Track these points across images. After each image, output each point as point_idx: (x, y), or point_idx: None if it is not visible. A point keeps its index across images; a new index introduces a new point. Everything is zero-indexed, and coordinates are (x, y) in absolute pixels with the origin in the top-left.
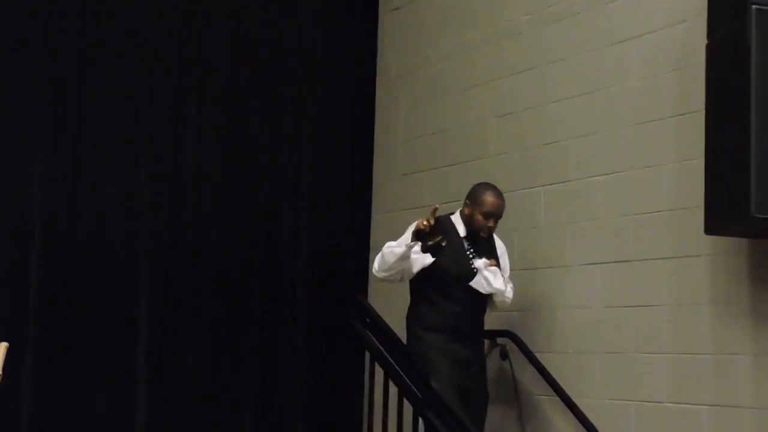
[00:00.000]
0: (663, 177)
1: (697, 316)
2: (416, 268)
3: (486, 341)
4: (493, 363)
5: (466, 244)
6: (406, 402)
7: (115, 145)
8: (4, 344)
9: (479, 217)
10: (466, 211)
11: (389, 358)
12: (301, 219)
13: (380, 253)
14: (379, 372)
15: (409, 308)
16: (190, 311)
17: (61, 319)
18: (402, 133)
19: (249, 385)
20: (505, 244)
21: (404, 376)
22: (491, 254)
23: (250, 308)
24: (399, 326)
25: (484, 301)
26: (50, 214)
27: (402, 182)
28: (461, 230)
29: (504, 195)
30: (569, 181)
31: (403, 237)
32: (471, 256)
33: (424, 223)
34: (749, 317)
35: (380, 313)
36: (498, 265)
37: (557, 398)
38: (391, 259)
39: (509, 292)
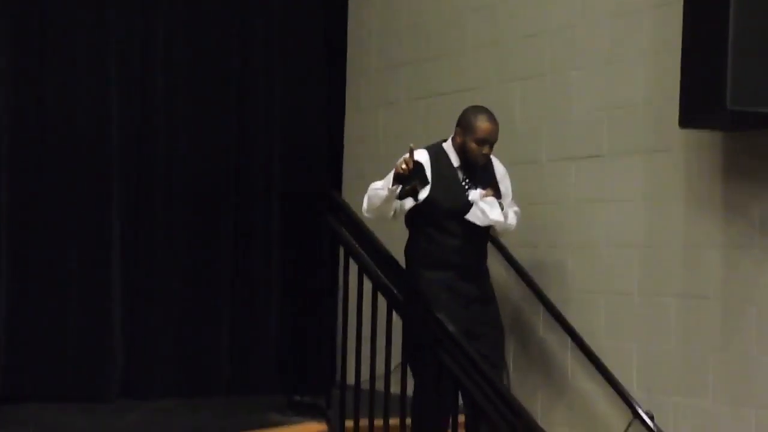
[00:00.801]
0: (638, 71)
1: (669, 209)
2: (407, 205)
3: None
4: None
5: (460, 175)
6: (380, 297)
7: (85, 56)
8: None
9: (473, 145)
10: (458, 139)
11: (363, 254)
12: (274, 116)
13: (366, 194)
14: (354, 268)
15: (408, 243)
16: (163, 205)
17: (32, 237)
18: (376, 26)
19: (224, 284)
20: None
21: (378, 271)
22: (488, 182)
23: (224, 206)
24: (373, 224)
25: (486, 232)
26: (17, 134)
27: (376, 78)
28: (454, 160)
29: (479, 90)
30: (544, 75)
31: (387, 177)
32: (466, 187)
33: (402, 167)
34: (720, 211)
35: (355, 211)
36: (497, 192)
37: (529, 291)
38: (377, 202)
39: (512, 219)
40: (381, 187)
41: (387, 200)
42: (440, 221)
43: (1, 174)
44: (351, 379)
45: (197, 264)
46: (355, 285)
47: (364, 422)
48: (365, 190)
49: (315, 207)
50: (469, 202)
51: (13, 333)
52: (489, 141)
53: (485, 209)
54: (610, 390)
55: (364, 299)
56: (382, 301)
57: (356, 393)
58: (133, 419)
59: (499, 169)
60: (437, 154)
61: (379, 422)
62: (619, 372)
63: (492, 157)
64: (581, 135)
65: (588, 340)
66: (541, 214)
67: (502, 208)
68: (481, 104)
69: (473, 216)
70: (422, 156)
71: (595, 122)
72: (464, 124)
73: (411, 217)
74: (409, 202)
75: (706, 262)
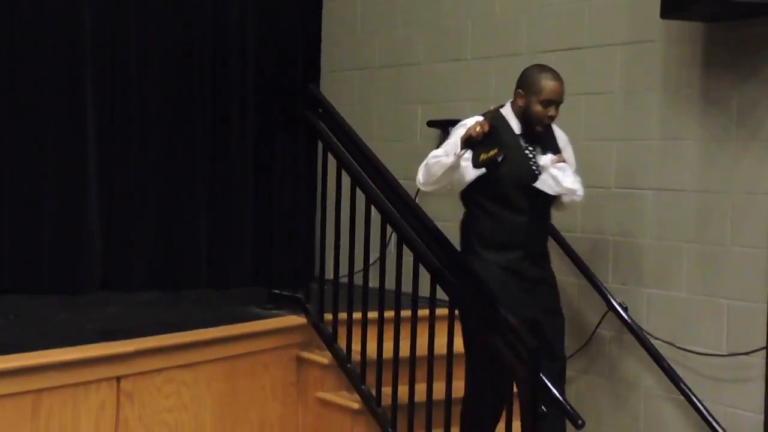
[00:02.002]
0: None
1: (648, 102)
2: (468, 177)
3: (437, 131)
4: None
5: (522, 142)
6: (359, 192)
7: None
8: None
9: (538, 108)
10: (520, 102)
11: (342, 148)
12: (249, 7)
13: (424, 164)
14: (332, 163)
15: (465, 221)
16: (138, 101)
17: (5, 129)
18: None
19: (201, 178)
20: (459, 30)
21: (357, 165)
22: (554, 148)
23: (200, 100)
24: (351, 119)
25: (550, 206)
26: None
27: None
28: (515, 126)
29: None
30: None
31: (450, 143)
32: (532, 155)
33: (477, 129)
34: (699, 103)
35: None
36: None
37: None
38: (438, 171)
39: (581, 190)
40: (444, 153)
41: (451, 168)
42: (505, 194)
43: None
44: (330, 274)
45: (174, 158)
46: (334, 180)
47: (342, 315)
48: (343, 84)
49: (292, 101)
50: (535, 171)
51: None
52: (555, 101)
53: (557, 176)
54: (585, 282)
55: (342, 194)
56: (360, 197)
57: (335, 287)
58: (113, 311)
59: (561, 136)
60: (496, 120)
61: (357, 315)
62: (595, 265)
63: (553, 125)
64: (561, 27)
65: (564, 233)
66: None
67: None
68: None
69: (543, 184)
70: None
71: (575, 14)
72: (527, 85)
73: (469, 191)
74: (469, 174)
75: (684, 155)
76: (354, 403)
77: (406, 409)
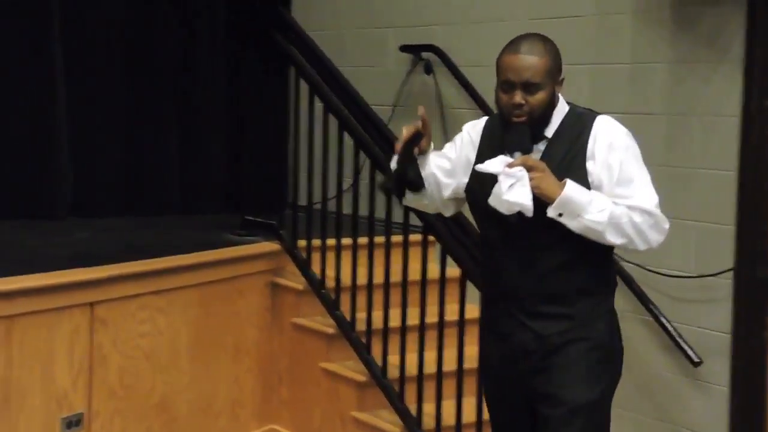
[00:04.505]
0: None
1: (618, 25)
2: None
3: (409, 56)
4: (418, 77)
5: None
6: (331, 117)
7: None
8: None
9: (501, 95)
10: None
11: (314, 74)
12: None
13: None
14: (304, 87)
15: None
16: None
17: None
18: None
19: (171, 101)
20: None
21: (329, 90)
22: (526, 147)
23: (168, 20)
24: (322, 43)
25: (550, 236)
26: None
27: None
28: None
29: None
30: None
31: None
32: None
33: (396, 147)
34: (669, 26)
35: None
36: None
37: (481, 111)
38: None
39: (607, 217)
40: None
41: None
42: (479, 225)
43: None
44: (303, 201)
45: (142, 80)
46: (306, 105)
47: (316, 242)
48: (314, 8)
49: (262, 25)
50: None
51: None
52: (513, 83)
53: (502, 183)
54: None
55: (315, 119)
56: (333, 121)
57: (308, 213)
58: (84, 236)
59: (603, 136)
60: (492, 122)
61: (331, 242)
62: None
63: (602, 119)
64: None
65: None
66: (494, 31)
67: (565, 194)
68: None
69: (495, 200)
70: (475, 128)
71: None
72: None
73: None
74: (441, 193)
75: (653, 78)
76: (329, 327)
77: (380, 333)
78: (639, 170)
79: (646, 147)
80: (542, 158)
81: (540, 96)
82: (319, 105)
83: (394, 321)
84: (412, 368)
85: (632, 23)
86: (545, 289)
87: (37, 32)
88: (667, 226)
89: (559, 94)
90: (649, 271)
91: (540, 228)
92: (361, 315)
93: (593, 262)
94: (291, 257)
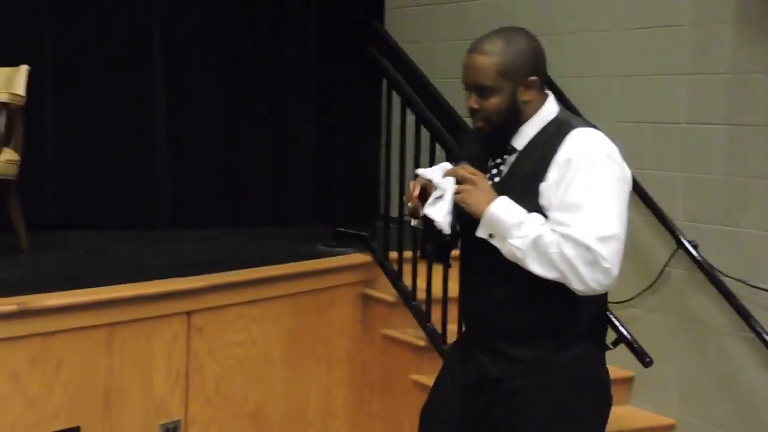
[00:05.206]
0: None
1: (718, 35)
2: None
3: None
4: None
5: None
6: (423, 129)
7: None
8: (25, 67)
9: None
10: None
11: (406, 86)
12: None
13: None
14: (396, 100)
15: None
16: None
17: (79, 38)
18: None
19: (263, 115)
20: None
21: (422, 103)
22: (476, 156)
23: (262, 33)
24: (415, 55)
25: (504, 259)
26: None
27: None
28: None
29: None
30: None
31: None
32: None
33: (408, 204)
34: None
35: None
36: (469, 177)
37: None
38: None
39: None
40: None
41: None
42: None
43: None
44: (395, 212)
45: (237, 95)
46: (398, 117)
47: (407, 254)
48: (407, 21)
49: (356, 37)
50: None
51: (62, 164)
52: (466, 84)
53: (433, 194)
54: (654, 220)
55: (407, 132)
56: (425, 134)
57: (400, 225)
58: (181, 246)
59: (568, 147)
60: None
61: None
62: (664, 202)
63: (578, 131)
64: None
65: (633, 170)
66: (587, 41)
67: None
68: None
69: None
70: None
71: None
72: None
73: None
74: None
75: (754, 88)
76: (420, 340)
77: None
78: (596, 197)
79: (747, 159)
80: (507, 174)
81: (494, 100)
82: (411, 117)
83: None
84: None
85: (734, 32)
86: (499, 323)
87: (139, 51)
88: (609, 266)
89: (549, 100)
90: (752, 286)
91: (496, 252)
92: (452, 327)
93: (561, 297)
94: (382, 269)
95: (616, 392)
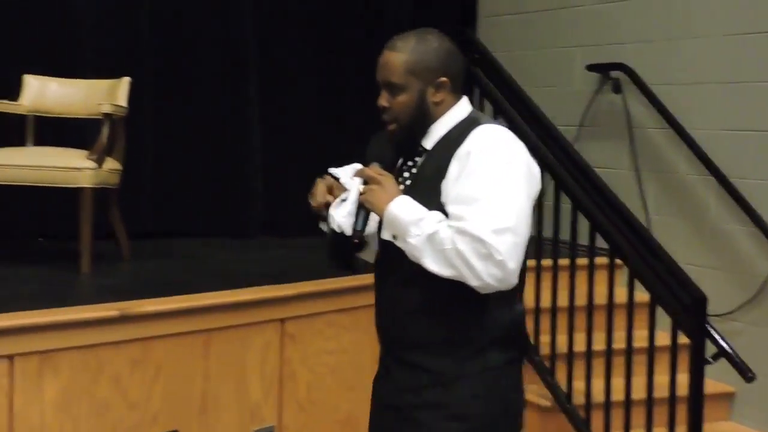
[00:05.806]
0: None
1: None
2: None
3: (597, 75)
4: (605, 96)
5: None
6: None
7: None
8: (127, 79)
9: None
10: None
11: (498, 94)
12: None
13: None
14: (488, 108)
15: None
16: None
17: (178, 51)
18: None
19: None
20: None
21: (512, 110)
22: (383, 156)
23: (353, 44)
24: (507, 64)
25: (410, 265)
26: None
27: None
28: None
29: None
30: None
31: None
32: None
33: (312, 203)
34: None
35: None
36: (374, 178)
37: (671, 130)
38: None
39: (425, 240)
40: None
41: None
42: None
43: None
44: None
45: (326, 108)
46: None
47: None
48: (499, 29)
49: None
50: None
51: (163, 175)
52: (379, 82)
53: (341, 195)
54: (756, 231)
55: None
56: None
57: None
58: (274, 254)
59: (469, 142)
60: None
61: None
62: (765, 212)
63: (482, 128)
64: None
65: (733, 179)
66: (687, 48)
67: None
68: None
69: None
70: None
71: None
72: None
73: None
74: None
75: None
76: None
77: (564, 358)
78: (493, 189)
79: None
80: (415, 175)
81: (402, 98)
82: None
83: (579, 346)
84: (598, 395)
85: None
86: (407, 333)
87: (235, 65)
88: (503, 259)
89: (462, 102)
90: None
91: (404, 258)
92: (544, 338)
93: (471, 305)
94: None
95: (716, 408)
